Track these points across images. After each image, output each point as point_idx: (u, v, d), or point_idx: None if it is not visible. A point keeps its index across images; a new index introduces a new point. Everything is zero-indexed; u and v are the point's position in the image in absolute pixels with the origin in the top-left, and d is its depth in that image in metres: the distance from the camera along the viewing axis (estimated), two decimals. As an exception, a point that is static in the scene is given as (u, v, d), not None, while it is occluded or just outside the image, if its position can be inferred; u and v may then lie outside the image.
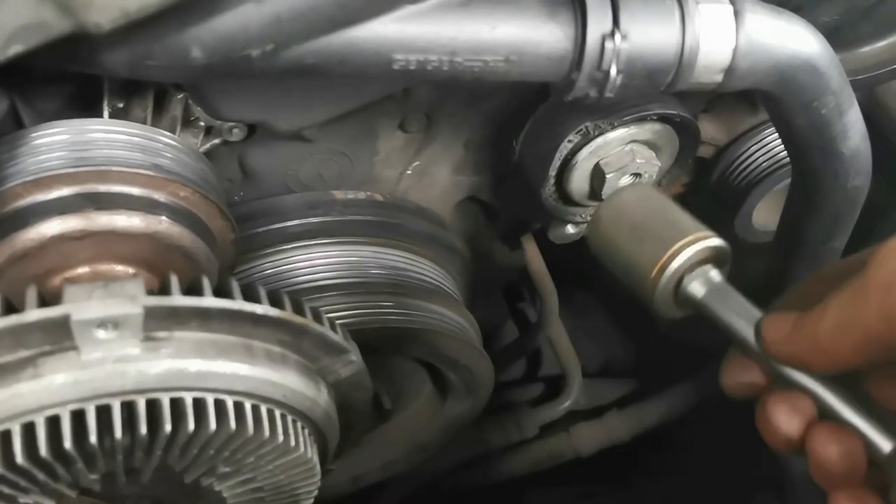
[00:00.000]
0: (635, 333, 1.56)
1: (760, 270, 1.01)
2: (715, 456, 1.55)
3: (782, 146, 1.02)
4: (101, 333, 0.53)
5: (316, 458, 0.65)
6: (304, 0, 0.54)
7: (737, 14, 0.65)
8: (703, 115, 1.03)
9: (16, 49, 0.47)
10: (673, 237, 0.64)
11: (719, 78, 0.66)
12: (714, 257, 0.65)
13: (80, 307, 0.51)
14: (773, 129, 1.04)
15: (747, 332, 0.60)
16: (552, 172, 0.89)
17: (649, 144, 0.89)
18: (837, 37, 0.76)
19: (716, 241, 0.64)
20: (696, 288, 0.63)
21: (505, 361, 1.42)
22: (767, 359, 0.58)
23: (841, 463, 0.55)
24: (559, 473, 1.44)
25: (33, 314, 0.51)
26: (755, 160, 1.04)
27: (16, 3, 0.46)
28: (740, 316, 0.61)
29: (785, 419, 0.58)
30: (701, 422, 1.50)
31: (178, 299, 0.55)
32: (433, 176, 1.00)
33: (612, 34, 0.61)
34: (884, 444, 0.54)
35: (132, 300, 0.53)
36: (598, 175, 0.89)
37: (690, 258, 0.63)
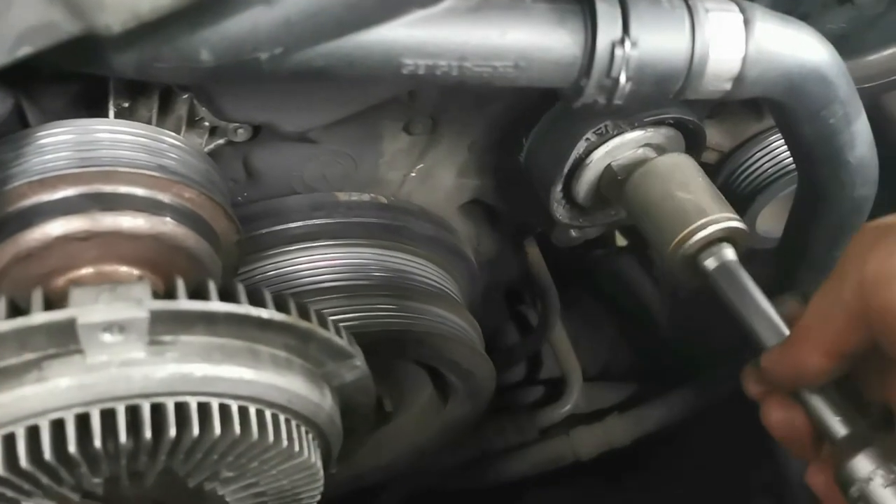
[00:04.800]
0: (636, 337, 1.56)
1: (764, 276, 1.01)
2: (714, 459, 1.55)
3: (787, 153, 1.02)
4: (107, 337, 0.52)
5: (319, 463, 0.65)
6: (314, 3, 0.54)
7: (746, 22, 0.64)
8: (708, 121, 1.03)
9: (25, 51, 0.47)
10: (701, 211, 0.76)
11: (728, 86, 0.66)
12: (732, 237, 0.76)
13: (86, 310, 0.51)
14: (778, 135, 1.04)
15: (747, 312, 0.71)
16: (565, 170, 0.88)
17: (659, 149, 0.89)
18: (844, 45, 0.76)
19: (735, 224, 0.76)
20: (710, 263, 0.75)
21: (506, 364, 1.41)
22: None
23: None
24: (557, 475, 1.44)
25: (39, 317, 0.51)
26: (760, 166, 1.04)
27: (25, 4, 0.45)
28: (744, 296, 0.72)
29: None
30: (700, 425, 1.50)
31: (185, 303, 0.54)
32: (437, 178, 1.00)
33: (622, 41, 0.60)
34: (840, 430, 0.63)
35: (138, 304, 0.53)
36: (607, 177, 0.89)
37: (712, 233, 0.75)
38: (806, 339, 0.60)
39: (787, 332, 0.69)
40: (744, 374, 0.69)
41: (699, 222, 0.76)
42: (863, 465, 0.60)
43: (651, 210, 0.81)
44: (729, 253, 0.75)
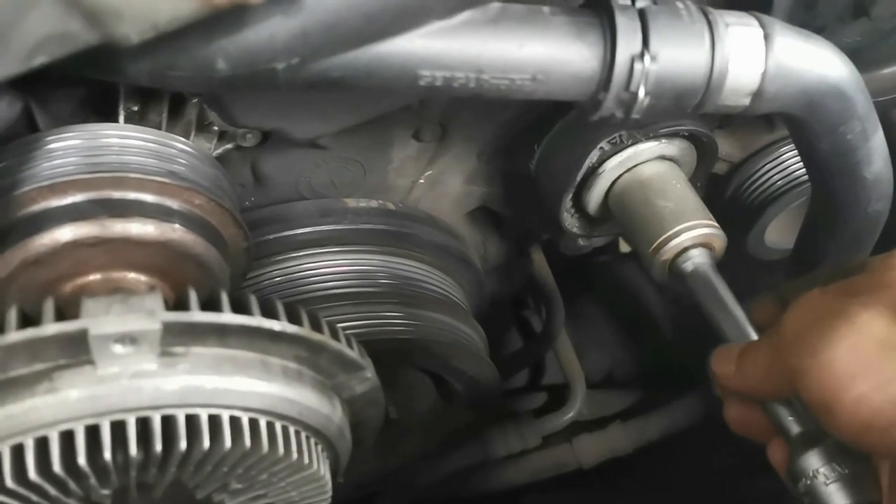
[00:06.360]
0: (639, 343, 1.56)
1: (772, 288, 1.01)
2: (714, 467, 1.54)
3: (798, 164, 1.01)
4: (119, 348, 0.52)
5: (328, 475, 0.65)
6: (333, 14, 0.53)
7: (766, 37, 0.64)
8: (719, 131, 1.03)
9: (40, 60, 0.46)
10: (679, 217, 0.80)
11: (747, 101, 0.65)
12: (708, 242, 0.80)
13: (98, 322, 0.51)
14: (788, 146, 1.03)
15: (717, 315, 0.75)
16: (577, 179, 0.88)
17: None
18: (858, 58, 0.75)
19: (710, 230, 0.79)
20: (687, 266, 0.79)
21: (510, 371, 1.41)
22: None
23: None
24: (557, 479, 1.44)
25: (51, 328, 0.50)
26: (770, 178, 1.04)
27: (42, 12, 0.45)
28: (715, 299, 0.76)
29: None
30: (701, 432, 1.50)
31: (197, 315, 0.54)
32: (445, 185, 0.99)
33: (642, 55, 0.60)
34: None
35: (151, 315, 0.52)
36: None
37: (687, 239, 0.79)
38: (754, 384, 0.66)
39: (753, 335, 0.73)
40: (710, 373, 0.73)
41: (675, 229, 0.80)
42: (810, 462, 0.64)
43: (632, 217, 0.84)
44: (703, 258, 0.79)
